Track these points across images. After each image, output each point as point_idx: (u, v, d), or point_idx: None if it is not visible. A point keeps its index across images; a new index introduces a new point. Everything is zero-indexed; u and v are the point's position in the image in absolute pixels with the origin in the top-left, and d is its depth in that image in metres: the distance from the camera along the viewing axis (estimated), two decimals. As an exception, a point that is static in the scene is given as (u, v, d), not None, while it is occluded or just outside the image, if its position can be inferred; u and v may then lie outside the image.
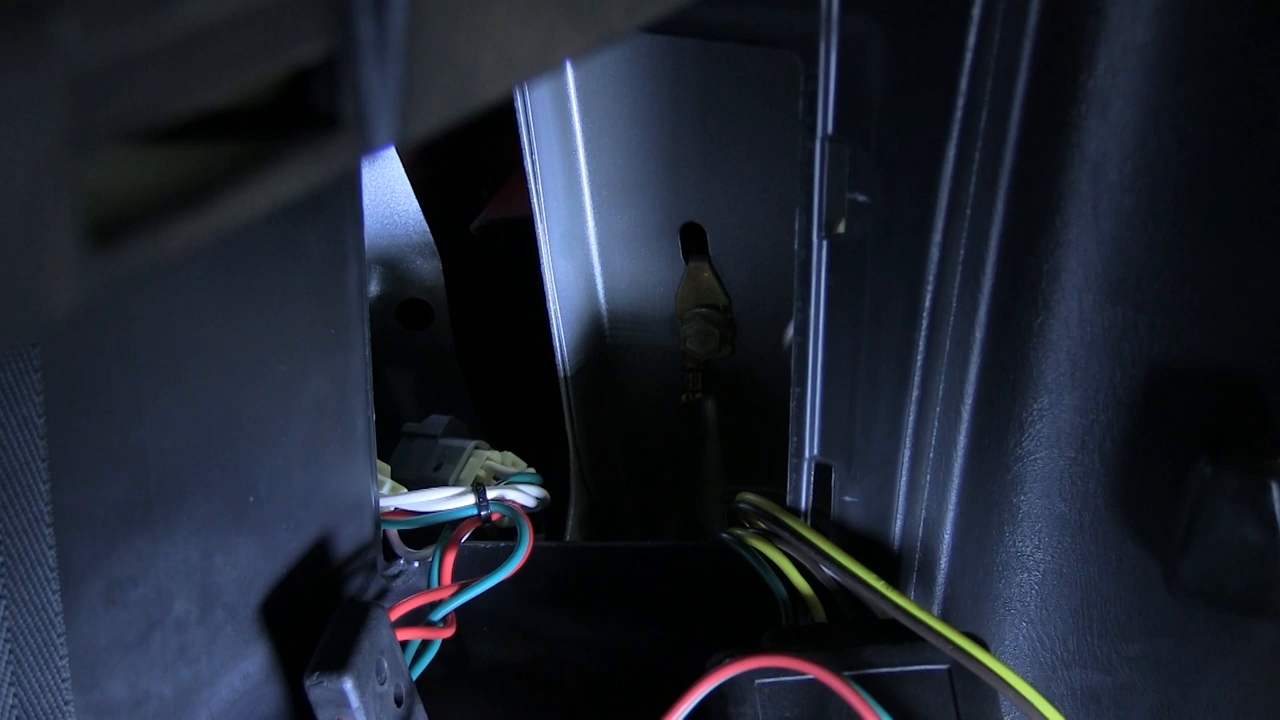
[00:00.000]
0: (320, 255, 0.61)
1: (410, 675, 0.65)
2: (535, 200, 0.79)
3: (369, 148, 0.29)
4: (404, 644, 0.66)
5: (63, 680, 0.51)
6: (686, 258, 0.84)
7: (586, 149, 0.80)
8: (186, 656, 0.59)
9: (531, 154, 0.77)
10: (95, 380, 0.51)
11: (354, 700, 0.59)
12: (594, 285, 0.87)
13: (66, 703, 0.51)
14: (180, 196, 0.26)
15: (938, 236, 0.58)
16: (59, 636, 0.50)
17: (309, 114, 0.28)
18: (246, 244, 0.56)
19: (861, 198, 0.59)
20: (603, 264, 0.86)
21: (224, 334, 0.57)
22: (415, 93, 0.29)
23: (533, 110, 0.75)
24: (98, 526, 0.53)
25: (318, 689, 0.59)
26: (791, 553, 0.65)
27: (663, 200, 0.81)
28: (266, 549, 0.62)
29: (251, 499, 0.60)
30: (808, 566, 0.65)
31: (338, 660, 0.60)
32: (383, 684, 0.62)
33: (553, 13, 0.32)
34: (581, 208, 0.82)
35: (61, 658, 0.51)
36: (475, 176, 0.94)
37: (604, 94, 0.76)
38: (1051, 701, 0.58)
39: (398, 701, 0.63)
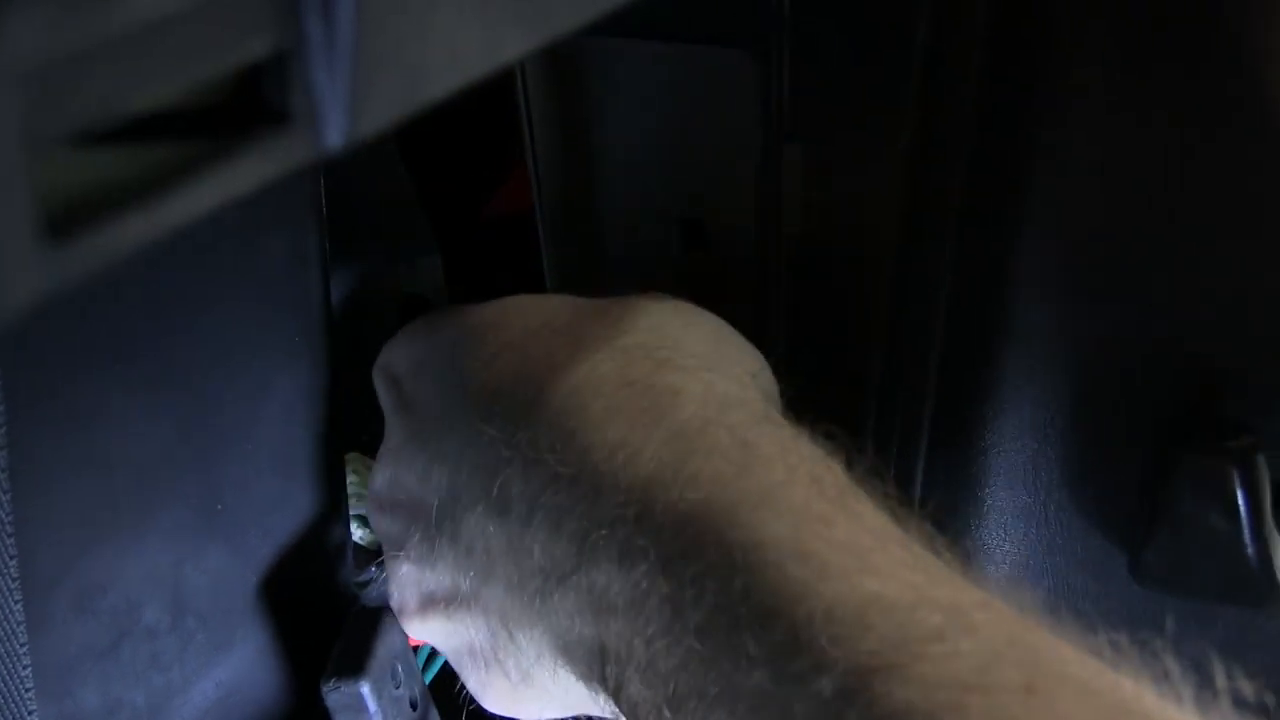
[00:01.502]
0: (284, 262, 0.62)
1: (424, 679, 0.65)
2: (536, 196, 0.79)
3: (320, 145, 0.29)
4: (415, 649, 0.66)
5: (25, 690, 0.51)
6: (686, 250, 0.84)
7: (589, 143, 0.79)
8: (158, 664, 0.59)
9: (533, 149, 0.77)
10: (58, 388, 0.51)
11: (371, 705, 0.60)
12: (595, 279, 0.86)
13: (30, 713, 0.51)
14: (133, 192, 0.26)
15: (895, 235, 0.59)
16: (21, 646, 0.50)
17: (260, 110, 0.29)
18: (209, 250, 0.56)
19: (819, 197, 0.59)
20: (603, 258, 0.86)
21: (189, 341, 0.57)
22: (364, 90, 0.29)
23: (533, 105, 0.74)
24: (64, 535, 0.53)
25: (336, 694, 0.60)
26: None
27: (664, 193, 0.81)
28: (236, 556, 0.62)
29: (220, 506, 0.61)
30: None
31: (355, 666, 0.60)
32: (398, 688, 0.62)
33: (499, 11, 0.32)
34: (584, 201, 0.82)
35: (25, 668, 0.51)
36: (476, 172, 0.94)
37: (605, 87, 0.76)
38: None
39: (413, 705, 0.63)
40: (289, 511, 0.64)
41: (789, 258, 0.61)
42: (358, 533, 0.70)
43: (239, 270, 0.59)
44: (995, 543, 0.65)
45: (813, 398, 0.63)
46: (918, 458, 0.63)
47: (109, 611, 0.56)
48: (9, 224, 0.24)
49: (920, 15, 0.55)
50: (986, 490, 0.64)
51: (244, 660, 0.63)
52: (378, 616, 0.62)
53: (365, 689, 0.60)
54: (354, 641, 0.62)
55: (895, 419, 0.62)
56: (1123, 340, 0.59)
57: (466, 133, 0.68)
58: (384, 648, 0.61)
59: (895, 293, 0.60)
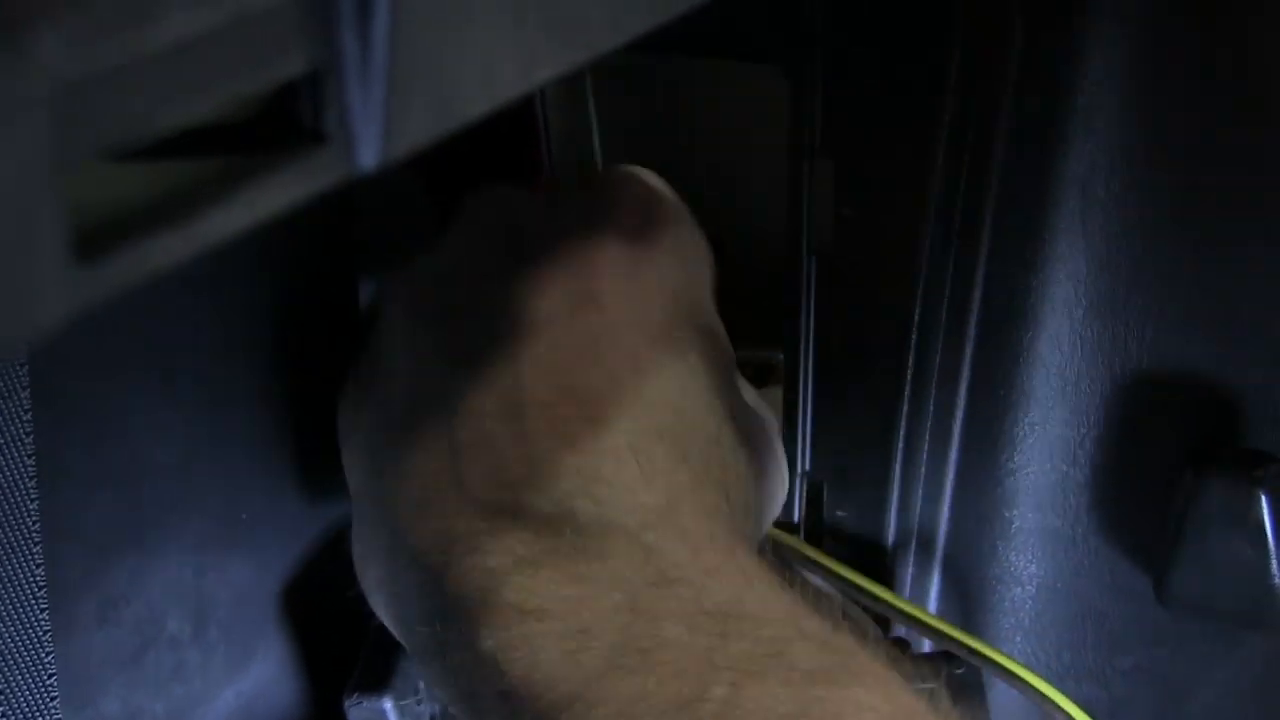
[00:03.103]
0: (312, 273, 0.62)
1: None
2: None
3: (354, 164, 0.29)
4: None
5: (51, 699, 0.51)
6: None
7: (603, 153, 0.79)
8: (180, 675, 0.59)
9: (550, 160, 0.77)
10: (85, 396, 0.51)
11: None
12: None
13: (56, 720, 0.52)
14: (164, 210, 0.26)
15: (926, 252, 0.58)
16: (47, 655, 0.50)
17: (294, 129, 0.28)
18: (238, 258, 0.56)
19: (848, 213, 0.59)
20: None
21: (215, 350, 0.57)
22: (398, 110, 0.29)
23: (552, 116, 0.74)
24: (89, 544, 0.53)
25: (358, 709, 0.60)
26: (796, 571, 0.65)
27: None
28: (260, 566, 0.62)
29: (245, 516, 0.61)
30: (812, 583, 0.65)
31: (377, 680, 0.60)
32: (419, 704, 0.62)
33: (535, 31, 0.32)
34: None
35: (50, 676, 0.51)
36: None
37: (623, 98, 0.76)
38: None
39: None
40: (312, 522, 0.64)
41: (816, 274, 0.61)
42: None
43: (267, 279, 0.59)
44: (1022, 565, 0.64)
45: (840, 416, 0.63)
46: (945, 478, 0.63)
47: (132, 621, 0.56)
48: (38, 242, 0.23)
49: (955, 33, 0.55)
50: (1014, 512, 0.63)
51: (265, 671, 0.63)
52: None
53: (388, 704, 0.60)
54: (377, 656, 0.61)
55: (923, 439, 0.62)
56: (1153, 364, 0.59)
57: (485, 143, 0.68)
58: (407, 662, 0.61)
59: (924, 312, 0.60)
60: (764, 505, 0.59)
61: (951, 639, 0.61)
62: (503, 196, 0.62)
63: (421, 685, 0.62)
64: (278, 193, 0.28)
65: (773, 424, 0.62)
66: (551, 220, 0.59)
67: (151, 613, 0.57)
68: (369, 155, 0.29)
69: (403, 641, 0.54)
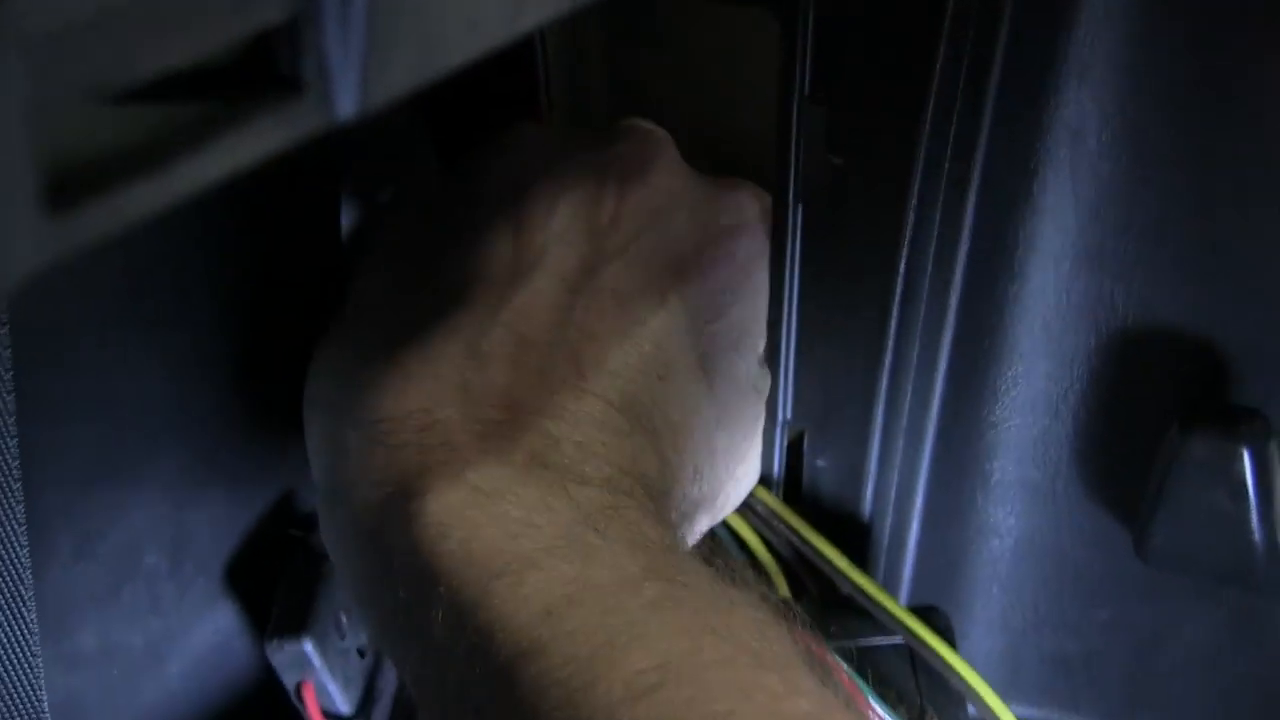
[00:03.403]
0: (294, 210, 0.61)
1: None
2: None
3: (332, 113, 0.29)
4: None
5: (31, 633, 0.51)
6: None
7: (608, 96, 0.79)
8: (157, 609, 0.59)
9: (548, 98, 0.76)
10: (63, 331, 0.51)
11: (316, 660, 0.59)
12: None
13: (35, 655, 0.51)
14: (139, 159, 0.26)
15: (913, 201, 0.58)
16: (27, 590, 0.50)
17: (271, 77, 0.28)
18: (217, 192, 0.56)
19: (837, 160, 0.58)
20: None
21: (195, 285, 0.57)
22: (379, 57, 0.29)
23: (551, 56, 0.73)
24: (67, 479, 0.53)
25: (279, 654, 0.59)
26: (756, 523, 0.65)
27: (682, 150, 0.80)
28: (237, 502, 0.62)
29: (223, 451, 0.60)
30: (770, 537, 0.65)
31: (296, 622, 0.60)
32: (344, 639, 0.62)
33: (521, -23, 0.32)
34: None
35: (30, 611, 0.51)
36: (490, 115, 0.93)
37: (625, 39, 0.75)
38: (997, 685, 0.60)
39: (361, 654, 0.63)
40: (292, 460, 0.64)
41: (803, 222, 0.61)
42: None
43: (248, 214, 0.58)
44: (1001, 517, 0.64)
45: (822, 365, 0.63)
46: (927, 429, 0.63)
47: (109, 555, 0.56)
48: (11, 192, 0.23)
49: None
50: (994, 464, 0.63)
51: (242, 607, 0.63)
52: (318, 566, 0.62)
53: (308, 645, 0.59)
54: (294, 596, 0.61)
55: (906, 390, 0.62)
56: (1138, 318, 0.59)
57: (482, 81, 0.68)
58: (325, 600, 0.61)
59: (910, 261, 0.59)
60: (729, 474, 0.61)
61: (889, 614, 0.62)
62: (512, 142, 0.62)
63: (345, 619, 0.62)
64: (254, 142, 0.28)
65: (762, 390, 0.62)
66: (557, 169, 0.61)
67: (129, 547, 0.57)
68: (347, 104, 0.29)
69: (336, 547, 0.54)
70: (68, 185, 0.25)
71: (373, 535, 0.51)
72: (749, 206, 0.63)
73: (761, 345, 0.62)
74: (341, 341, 0.58)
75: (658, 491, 0.55)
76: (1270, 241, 0.56)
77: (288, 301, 0.62)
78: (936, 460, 0.64)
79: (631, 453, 0.54)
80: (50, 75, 0.23)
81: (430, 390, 0.54)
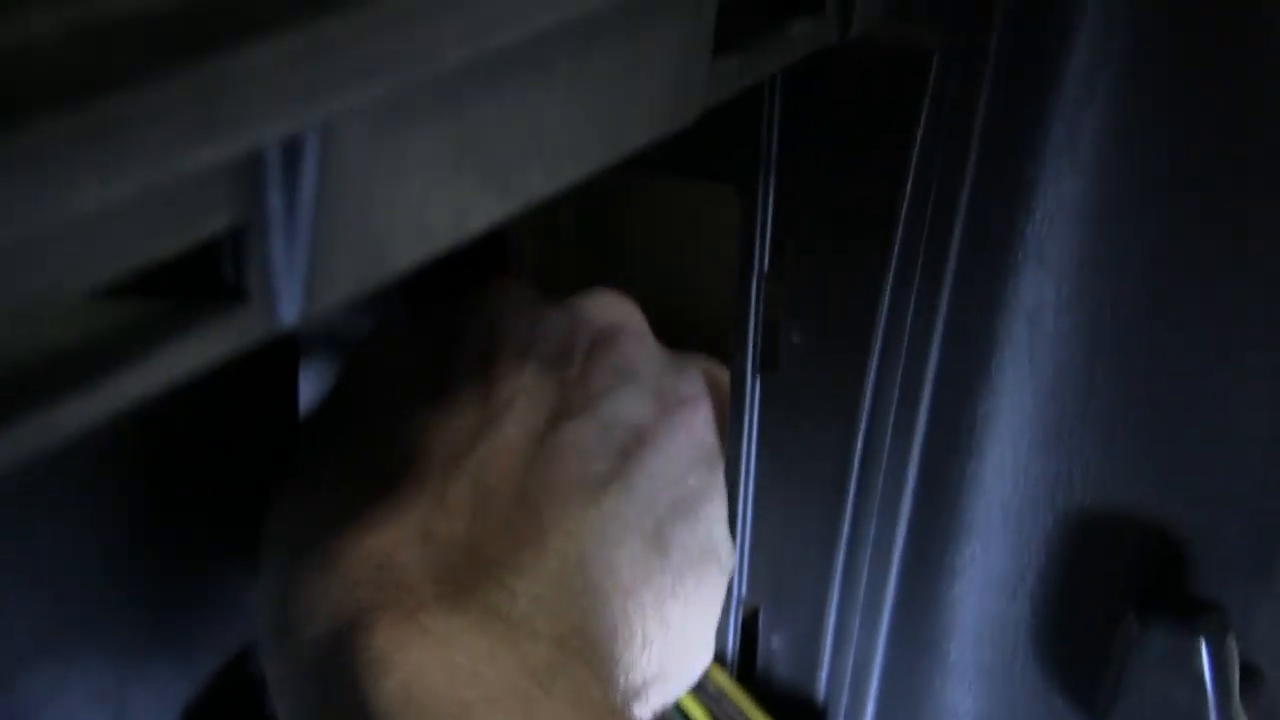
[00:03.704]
0: (259, 367, 0.61)
1: None
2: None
3: (274, 321, 0.28)
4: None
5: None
6: None
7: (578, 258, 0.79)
8: (97, 783, 0.58)
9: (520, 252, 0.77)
10: (6, 500, 0.50)
11: None
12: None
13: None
14: (74, 373, 0.25)
15: (871, 377, 0.58)
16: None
17: (213, 284, 0.27)
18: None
19: (796, 337, 0.58)
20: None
21: (141, 453, 0.56)
22: (324, 264, 0.28)
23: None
24: (6, 653, 0.52)
25: None
26: (707, 701, 0.64)
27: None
28: (183, 670, 0.61)
29: (169, 620, 0.60)
30: (720, 718, 0.65)
31: None
32: None
33: (471, 180, 0.31)
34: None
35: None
36: (461, 269, 0.93)
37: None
38: None
39: None
40: (237, 626, 0.63)
41: (760, 394, 0.60)
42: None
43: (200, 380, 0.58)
44: (959, 699, 0.63)
45: (778, 539, 0.62)
46: (883, 607, 0.62)
47: (48, 728, 0.55)
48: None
49: (906, 163, 0.55)
50: (952, 644, 0.62)
51: (185, 777, 0.62)
52: None
53: None
54: None
55: (862, 566, 0.61)
56: (1096, 501, 0.58)
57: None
58: None
59: (868, 438, 0.59)
60: (682, 647, 0.61)
61: None
62: (485, 299, 0.63)
63: None
64: (194, 352, 0.27)
65: (725, 564, 0.62)
66: (528, 326, 0.63)
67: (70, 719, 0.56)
68: (291, 311, 0.28)
69: (277, 683, 0.54)
70: (3, 401, 0.24)
71: (315, 668, 0.51)
72: (709, 379, 0.64)
73: (722, 518, 0.62)
74: (304, 482, 0.59)
75: (607, 655, 0.55)
76: (1228, 432, 0.56)
77: (237, 466, 0.61)
78: (893, 639, 0.63)
79: (582, 613, 0.54)
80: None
81: (392, 533, 0.54)
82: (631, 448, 0.60)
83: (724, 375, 0.62)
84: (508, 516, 0.55)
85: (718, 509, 0.61)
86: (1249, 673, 0.58)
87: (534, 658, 0.51)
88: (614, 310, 0.65)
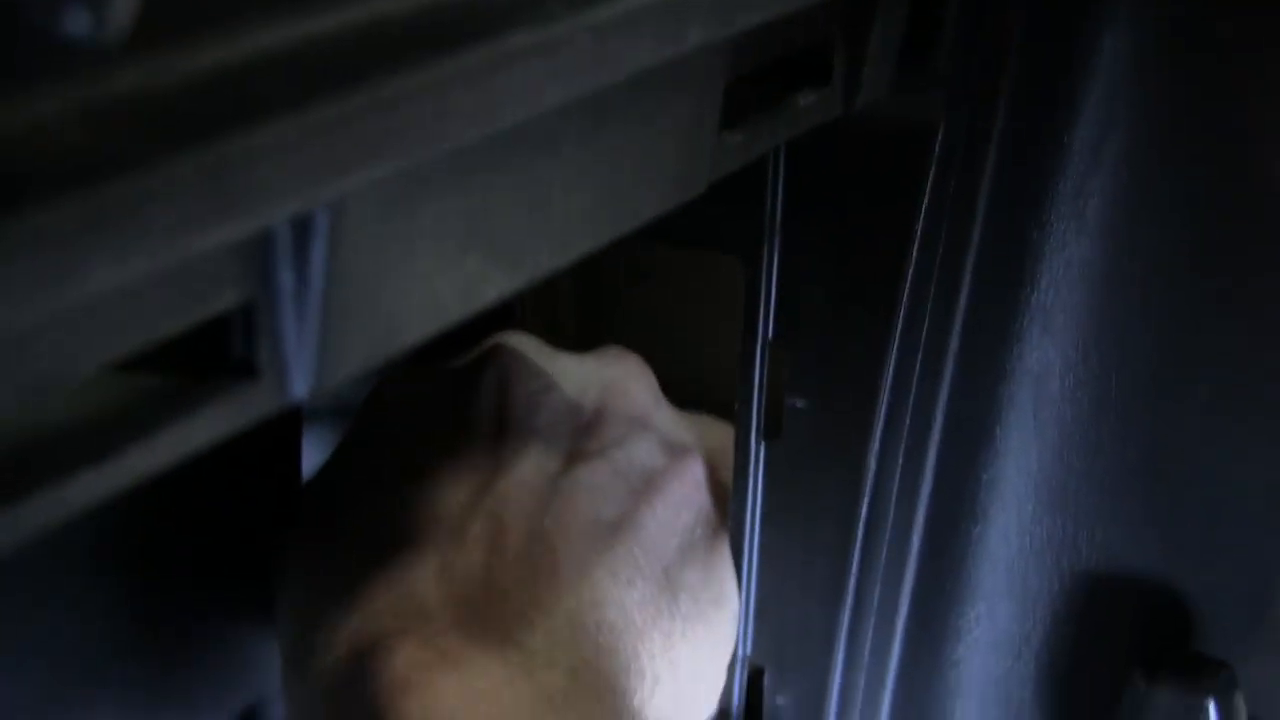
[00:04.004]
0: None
1: None
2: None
3: (285, 395, 0.28)
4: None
5: None
6: None
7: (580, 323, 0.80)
8: None
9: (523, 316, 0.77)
10: (10, 573, 0.50)
11: None
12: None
13: None
14: (83, 448, 0.25)
15: (876, 444, 0.58)
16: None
17: (223, 360, 0.28)
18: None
19: (800, 403, 0.58)
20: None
21: (143, 525, 0.56)
22: (335, 339, 0.29)
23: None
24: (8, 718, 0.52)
25: None
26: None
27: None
28: (187, 733, 0.61)
29: (173, 686, 0.59)
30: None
31: None
32: None
33: (480, 257, 0.32)
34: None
35: None
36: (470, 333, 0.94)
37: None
38: None
39: None
40: (246, 684, 0.63)
41: (765, 460, 0.60)
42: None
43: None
44: (964, 760, 0.63)
45: (783, 601, 0.62)
46: (888, 668, 0.62)
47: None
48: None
49: (910, 232, 0.55)
50: (957, 704, 0.62)
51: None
52: None
53: None
54: None
55: (867, 628, 0.61)
56: (1102, 563, 0.58)
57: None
58: None
59: (873, 502, 0.59)
60: (692, 692, 0.61)
61: None
62: (501, 355, 0.64)
63: None
64: (203, 428, 0.27)
65: (735, 608, 0.62)
66: (543, 373, 0.64)
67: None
68: (301, 386, 0.29)
69: (295, 712, 0.56)
70: (11, 477, 0.24)
71: (335, 692, 0.52)
72: (715, 436, 0.65)
73: (731, 569, 0.62)
74: (322, 517, 0.60)
75: (618, 690, 0.56)
76: (1232, 493, 0.56)
77: (239, 527, 0.61)
78: (898, 701, 0.63)
79: (596, 649, 0.56)
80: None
81: (412, 567, 0.56)
82: (642, 493, 0.60)
83: (727, 432, 0.62)
84: (524, 552, 0.57)
85: (726, 559, 0.62)
86: (1257, 730, 0.58)
87: (549, 686, 0.53)
88: (624, 362, 0.67)
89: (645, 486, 0.61)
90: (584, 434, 0.62)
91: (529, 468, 0.59)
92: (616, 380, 0.65)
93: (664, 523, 0.60)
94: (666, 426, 0.65)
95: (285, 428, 0.63)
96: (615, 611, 0.57)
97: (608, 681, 0.55)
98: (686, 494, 0.62)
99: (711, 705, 0.63)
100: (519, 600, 0.55)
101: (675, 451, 0.63)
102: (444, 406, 0.64)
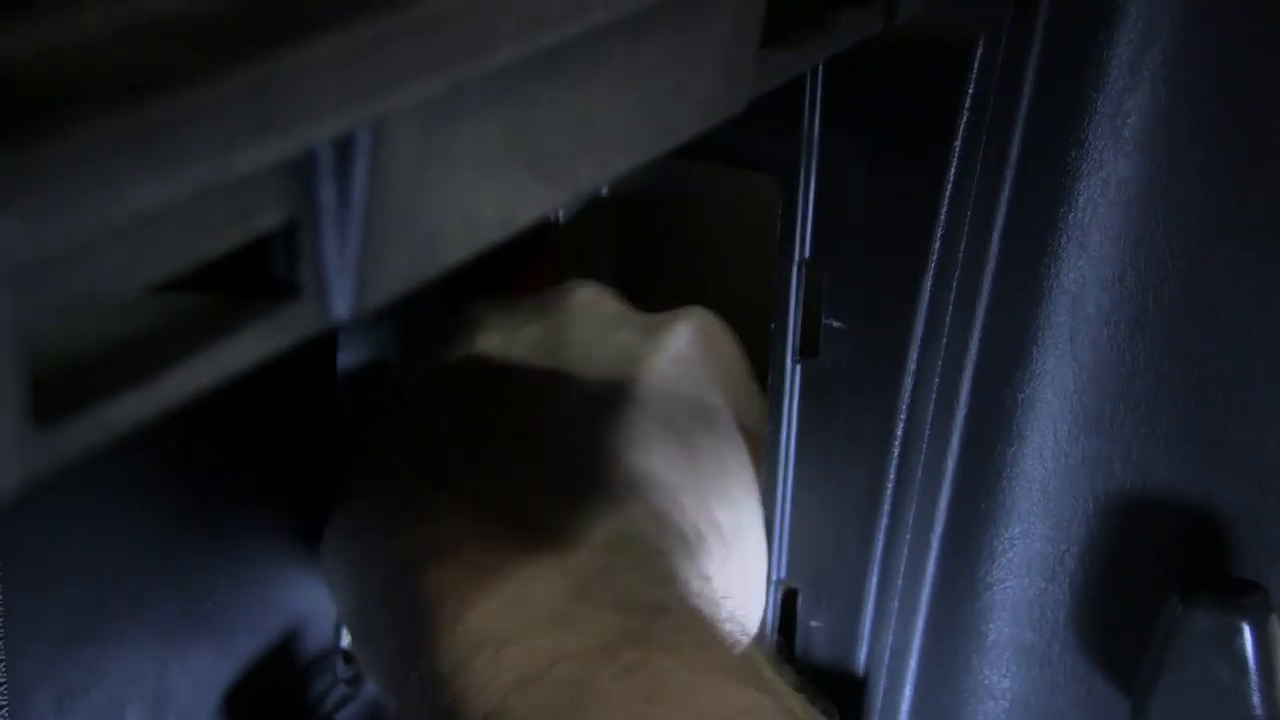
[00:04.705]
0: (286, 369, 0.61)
1: None
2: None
3: (327, 316, 0.28)
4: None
5: (6, 793, 0.50)
6: None
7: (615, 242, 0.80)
8: (137, 763, 0.58)
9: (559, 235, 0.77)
10: (50, 492, 0.50)
11: None
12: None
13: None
14: (127, 369, 0.25)
15: (912, 364, 0.58)
16: (5, 750, 0.49)
17: (265, 280, 0.27)
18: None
19: (836, 324, 0.58)
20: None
21: (182, 442, 0.56)
22: (376, 259, 0.28)
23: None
24: (50, 637, 0.52)
25: None
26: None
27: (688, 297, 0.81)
28: (223, 655, 0.61)
29: (208, 606, 0.60)
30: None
31: None
32: None
33: (520, 175, 0.31)
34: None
35: (6, 771, 0.50)
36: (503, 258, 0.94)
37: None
38: None
39: None
40: (279, 611, 0.63)
41: (801, 382, 0.60)
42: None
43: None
44: (996, 679, 0.63)
45: (817, 523, 0.62)
46: (922, 590, 0.62)
47: (90, 710, 0.55)
48: (-2, 411, 0.23)
49: (949, 146, 0.55)
50: (990, 625, 0.62)
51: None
52: None
53: None
54: None
55: (902, 549, 0.61)
56: (1137, 483, 0.58)
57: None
58: None
59: (909, 423, 0.59)
60: (736, 545, 0.63)
61: None
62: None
63: None
64: (246, 348, 0.27)
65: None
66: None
67: (110, 703, 0.56)
68: (343, 306, 0.28)
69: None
70: (54, 400, 0.24)
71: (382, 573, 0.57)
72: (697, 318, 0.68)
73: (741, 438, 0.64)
74: (411, 416, 0.64)
75: (657, 552, 0.57)
76: (1270, 413, 0.56)
77: (276, 450, 0.61)
78: (932, 622, 0.63)
79: (627, 517, 0.57)
80: (34, 300, 0.22)
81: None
82: (643, 358, 0.64)
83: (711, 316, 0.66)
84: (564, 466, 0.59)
85: (736, 430, 0.64)
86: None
87: (580, 568, 0.54)
88: (586, 290, 0.69)
89: (646, 353, 0.64)
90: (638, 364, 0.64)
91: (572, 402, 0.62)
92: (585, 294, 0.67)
93: (667, 377, 0.64)
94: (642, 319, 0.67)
95: (320, 350, 0.63)
96: (636, 480, 0.59)
97: (644, 545, 0.57)
98: (685, 355, 0.65)
99: (761, 582, 0.63)
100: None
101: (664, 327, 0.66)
102: (533, 332, 0.66)
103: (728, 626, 0.57)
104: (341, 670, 0.69)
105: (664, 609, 0.54)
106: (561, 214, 0.71)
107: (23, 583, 0.49)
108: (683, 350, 0.65)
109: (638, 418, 0.61)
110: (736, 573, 0.61)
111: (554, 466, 0.60)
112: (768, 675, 0.55)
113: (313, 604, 0.65)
